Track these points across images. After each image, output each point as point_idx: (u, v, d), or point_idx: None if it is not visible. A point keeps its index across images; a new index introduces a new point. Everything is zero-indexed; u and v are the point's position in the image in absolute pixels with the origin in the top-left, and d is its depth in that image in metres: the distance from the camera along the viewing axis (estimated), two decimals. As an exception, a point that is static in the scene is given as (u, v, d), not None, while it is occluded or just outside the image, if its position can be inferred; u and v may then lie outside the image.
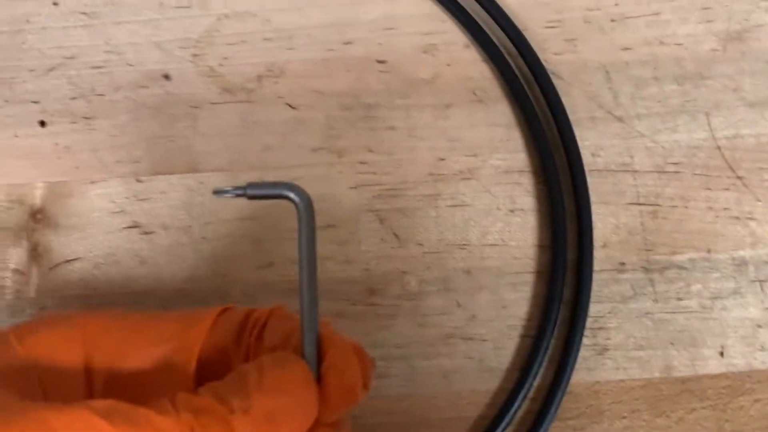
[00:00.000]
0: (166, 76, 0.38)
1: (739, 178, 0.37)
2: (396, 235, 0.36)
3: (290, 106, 0.38)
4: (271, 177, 0.37)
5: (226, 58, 0.39)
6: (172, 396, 0.22)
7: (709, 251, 0.36)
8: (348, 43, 0.39)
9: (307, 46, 0.39)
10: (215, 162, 0.37)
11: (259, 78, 0.39)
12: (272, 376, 0.23)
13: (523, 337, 0.35)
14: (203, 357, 0.26)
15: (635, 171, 0.37)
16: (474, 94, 0.38)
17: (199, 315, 0.27)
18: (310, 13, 0.39)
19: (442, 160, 0.38)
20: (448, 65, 0.39)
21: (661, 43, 0.39)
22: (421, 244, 0.36)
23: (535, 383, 0.35)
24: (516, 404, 0.34)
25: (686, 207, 0.37)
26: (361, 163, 0.37)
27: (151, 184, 0.37)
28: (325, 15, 0.39)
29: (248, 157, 0.37)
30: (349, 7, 0.39)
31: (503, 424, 0.34)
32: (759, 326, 0.35)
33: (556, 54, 0.39)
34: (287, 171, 0.37)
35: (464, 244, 0.36)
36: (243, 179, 0.35)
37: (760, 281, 0.36)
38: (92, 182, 0.37)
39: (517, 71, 0.39)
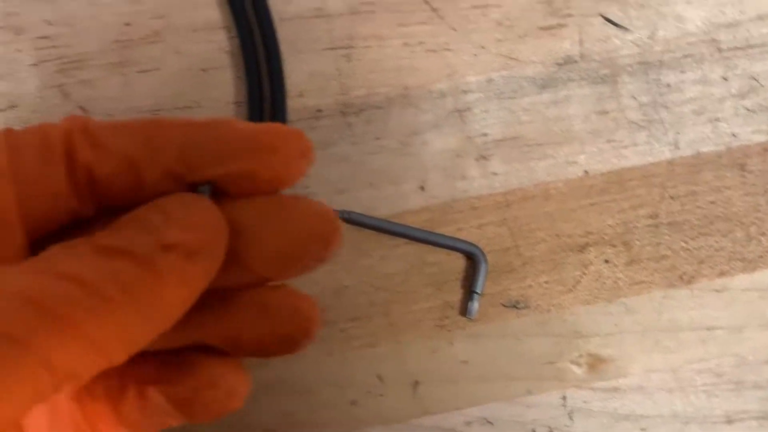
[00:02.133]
0: None
1: (434, 10, 0.36)
2: (83, 108, 0.35)
3: (-40, -14, 0.36)
4: (-57, 63, 0.35)
5: None
6: (72, 245, 0.18)
7: (406, 88, 0.36)
8: None
9: None
10: None
11: (-74, -40, 0.36)
12: (178, 213, 0.19)
13: (222, 196, 0.35)
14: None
15: (328, 15, 0.36)
16: (158, -47, 0.37)
17: None
18: None
19: (128, 24, 0.36)
20: (128, -75, 0.37)
21: None
22: (110, 115, 0.35)
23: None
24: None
25: (381, 46, 0.36)
26: (41, 38, 0.36)
27: None
28: None
29: None
30: None
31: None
32: (458, 156, 0.35)
33: None
34: (-42, 54, 0.35)
35: (156, 110, 0.36)
36: None
37: (459, 111, 0.36)
38: None
39: (201, -76, 0.37)
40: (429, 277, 0.34)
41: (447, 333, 0.34)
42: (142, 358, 0.22)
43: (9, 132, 0.21)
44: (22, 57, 0.36)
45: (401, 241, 0.35)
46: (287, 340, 0.22)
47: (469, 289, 0.34)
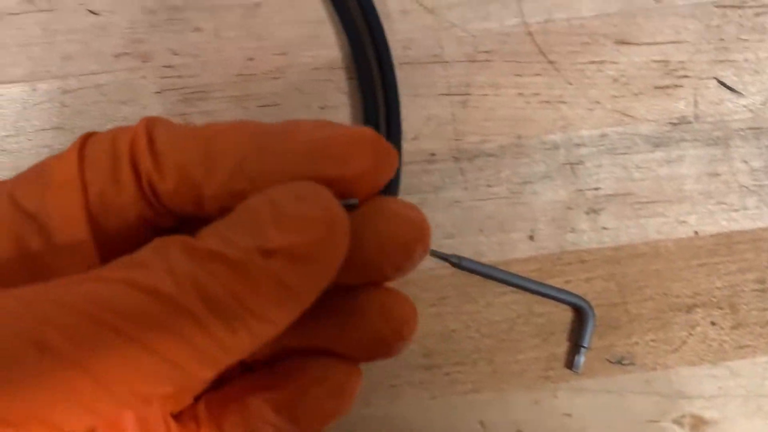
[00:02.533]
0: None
1: (551, 62, 0.37)
2: (203, 138, 0.36)
3: (92, 12, 0.38)
4: (73, 84, 0.36)
5: (27, -32, 0.38)
6: (162, 244, 0.17)
7: (519, 137, 0.36)
8: (151, -56, 0.38)
9: (109, -50, 0.38)
10: (14, 73, 0.37)
11: (61, -15, 0.38)
12: (291, 208, 0.17)
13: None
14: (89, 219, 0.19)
15: (446, 62, 0.37)
16: (283, -9, 0.38)
17: (46, 166, 0.20)
18: None
19: (251, 59, 0.37)
20: (256, -37, 0.38)
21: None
22: (229, 146, 0.36)
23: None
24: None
25: (497, 95, 0.37)
26: (166, 66, 0.37)
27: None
28: None
29: (49, 66, 0.37)
30: None
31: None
32: (569, 208, 0.36)
33: (366, -54, 0.38)
34: (88, 78, 0.36)
35: (274, 144, 0.36)
36: (43, 89, 0.35)
37: (571, 164, 0.36)
38: None
39: (326, -34, 0.38)
40: (535, 327, 0.35)
41: (551, 384, 0.34)
42: (242, 368, 0.22)
43: (86, 137, 0.20)
44: (146, 84, 0.37)
45: (508, 289, 0.35)
46: (379, 342, 0.20)
47: (575, 342, 0.34)
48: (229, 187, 0.19)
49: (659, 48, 0.37)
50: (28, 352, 0.15)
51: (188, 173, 0.19)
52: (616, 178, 0.36)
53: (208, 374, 0.16)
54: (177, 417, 0.22)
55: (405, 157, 0.36)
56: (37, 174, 0.20)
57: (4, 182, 0.20)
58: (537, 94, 0.37)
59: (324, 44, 0.38)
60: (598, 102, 0.37)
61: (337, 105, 0.37)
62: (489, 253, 0.35)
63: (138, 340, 0.15)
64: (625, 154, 0.36)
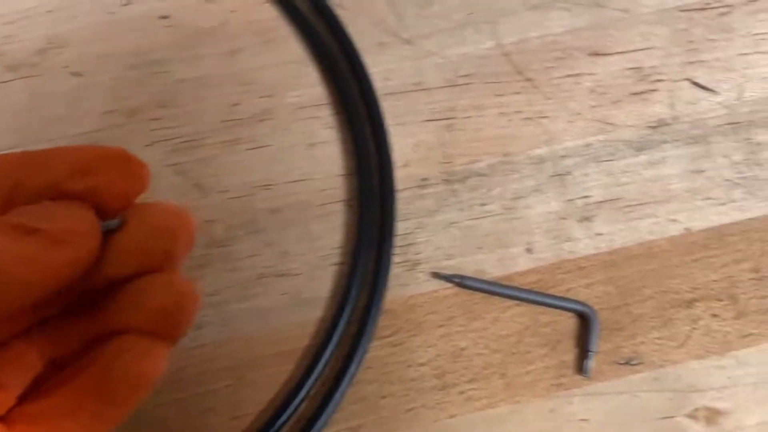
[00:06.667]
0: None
1: (529, 80, 0.40)
2: (198, 186, 0.38)
3: (76, 73, 0.40)
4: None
5: (8, 36, 0.40)
6: None
7: (506, 155, 0.39)
8: (128, 3, 0.41)
9: (88, 13, 0.41)
10: (5, 142, 0.38)
11: (42, 51, 0.40)
12: (56, 209, 0.22)
13: (336, 265, 0.37)
14: None
15: (427, 89, 0.40)
16: (262, 35, 0.40)
17: None
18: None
19: (237, 105, 0.39)
20: (233, 11, 0.41)
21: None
22: (224, 191, 0.38)
23: (353, 307, 0.37)
24: (339, 329, 0.36)
25: (480, 116, 0.39)
26: (154, 119, 0.39)
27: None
28: (101, -22, 0.41)
29: (38, 131, 0.39)
30: (122, -34, 0.41)
31: (327, 353, 0.36)
32: (562, 218, 0.38)
33: (338, -15, 0.41)
34: (77, 139, 0.38)
35: (268, 185, 0.38)
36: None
37: (559, 175, 0.39)
38: None
39: (301, 8, 0.41)
40: (543, 337, 0.37)
41: (564, 392, 0.36)
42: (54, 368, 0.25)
43: None
44: (136, 139, 0.39)
45: (512, 302, 0.37)
46: (165, 316, 0.24)
47: (583, 348, 0.36)
48: (10, 203, 0.23)
49: (631, 56, 0.40)
50: None
51: None
52: (604, 185, 0.38)
53: None
54: None
55: (398, 185, 0.38)
56: None
57: None
58: (519, 112, 0.39)
59: (307, 83, 0.40)
60: (578, 113, 0.39)
61: (325, 141, 0.39)
62: (490, 270, 0.37)
63: None
64: (609, 160, 0.39)
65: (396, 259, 0.37)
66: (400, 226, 0.38)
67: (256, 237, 0.38)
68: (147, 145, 0.38)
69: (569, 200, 0.38)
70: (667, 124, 0.39)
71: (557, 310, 0.37)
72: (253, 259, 0.37)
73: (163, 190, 0.38)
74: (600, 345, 0.36)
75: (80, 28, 0.40)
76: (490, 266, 0.37)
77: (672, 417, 0.36)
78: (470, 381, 0.36)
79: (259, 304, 0.37)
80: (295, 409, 0.35)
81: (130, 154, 0.24)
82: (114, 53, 0.40)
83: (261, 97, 0.39)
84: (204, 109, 0.39)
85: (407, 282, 0.37)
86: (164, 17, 0.40)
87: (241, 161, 0.38)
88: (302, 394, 0.35)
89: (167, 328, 0.24)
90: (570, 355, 0.36)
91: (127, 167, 0.24)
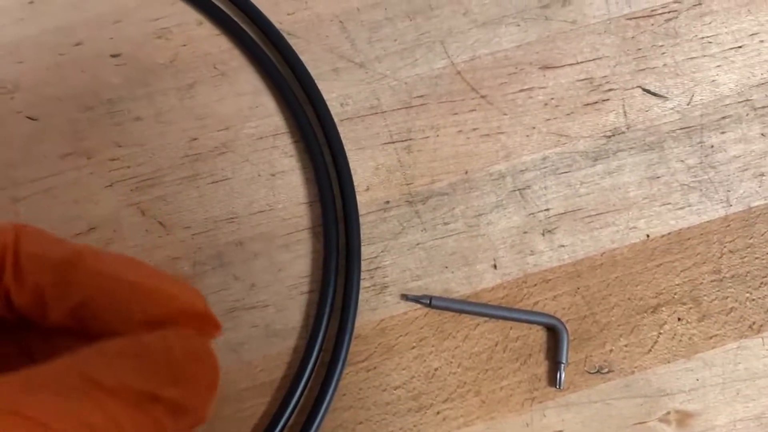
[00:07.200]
0: None
1: (483, 97, 0.40)
2: (161, 224, 0.38)
3: (30, 118, 0.39)
4: (23, 192, 0.38)
5: (-43, 84, 0.40)
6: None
7: (466, 172, 0.39)
8: (78, 44, 0.41)
9: (36, 56, 0.40)
10: (-39, 190, 0.38)
11: (-6, 97, 0.40)
12: (184, 363, 0.22)
13: (305, 293, 0.38)
14: None
15: (384, 112, 0.40)
16: (215, 68, 0.41)
17: None
18: (33, 22, 0.41)
19: (195, 139, 0.39)
20: (185, 45, 0.41)
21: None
22: (188, 227, 0.38)
23: (325, 335, 0.37)
24: (312, 358, 0.36)
25: (438, 135, 0.40)
26: (112, 159, 0.39)
27: None
28: (50, 20, 0.41)
29: (-6, 178, 0.38)
30: (71, 8, 0.41)
31: (302, 383, 0.36)
32: (525, 232, 0.39)
33: (289, 14, 0.41)
34: (36, 184, 0.38)
35: (232, 218, 0.38)
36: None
37: (519, 189, 0.39)
38: None
39: (254, 38, 0.41)
40: (514, 352, 0.37)
41: (538, 404, 0.37)
42: None
43: None
44: (95, 180, 0.39)
45: (482, 319, 0.38)
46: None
47: (554, 360, 0.37)
48: (73, 315, 0.23)
49: (582, 67, 0.41)
50: None
51: (42, 294, 0.22)
52: (563, 197, 0.39)
53: None
54: None
55: (361, 209, 0.39)
56: None
57: None
58: (475, 129, 0.40)
59: (263, 113, 0.40)
60: (533, 127, 0.40)
61: (286, 170, 0.39)
62: (457, 288, 0.38)
63: None
64: (567, 172, 0.39)
65: (364, 283, 0.38)
66: (366, 251, 0.38)
67: (223, 271, 0.38)
68: (107, 186, 0.38)
69: (531, 214, 0.39)
70: (621, 133, 0.40)
71: (527, 324, 0.37)
72: (222, 293, 0.37)
73: (126, 230, 0.38)
74: (570, 356, 0.37)
75: (29, 72, 0.40)
76: (457, 284, 0.38)
77: (644, 422, 0.36)
78: (445, 401, 0.36)
79: (230, 338, 0.37)
80: (273, 442, 0.35)
81: (209, 311, 0.24)
82: (67, 95, 0.40)
83: (219, 131, 0.40)
84: (162, 146, 0.39)
85: (377, 306, 0.37)
86: (115, 55, 0.40)
87: (202, 196, 0.38)
88: (279, 426, 0.35)
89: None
90: (542, 367, 0.37)
91: (201, 326, 0.24)
